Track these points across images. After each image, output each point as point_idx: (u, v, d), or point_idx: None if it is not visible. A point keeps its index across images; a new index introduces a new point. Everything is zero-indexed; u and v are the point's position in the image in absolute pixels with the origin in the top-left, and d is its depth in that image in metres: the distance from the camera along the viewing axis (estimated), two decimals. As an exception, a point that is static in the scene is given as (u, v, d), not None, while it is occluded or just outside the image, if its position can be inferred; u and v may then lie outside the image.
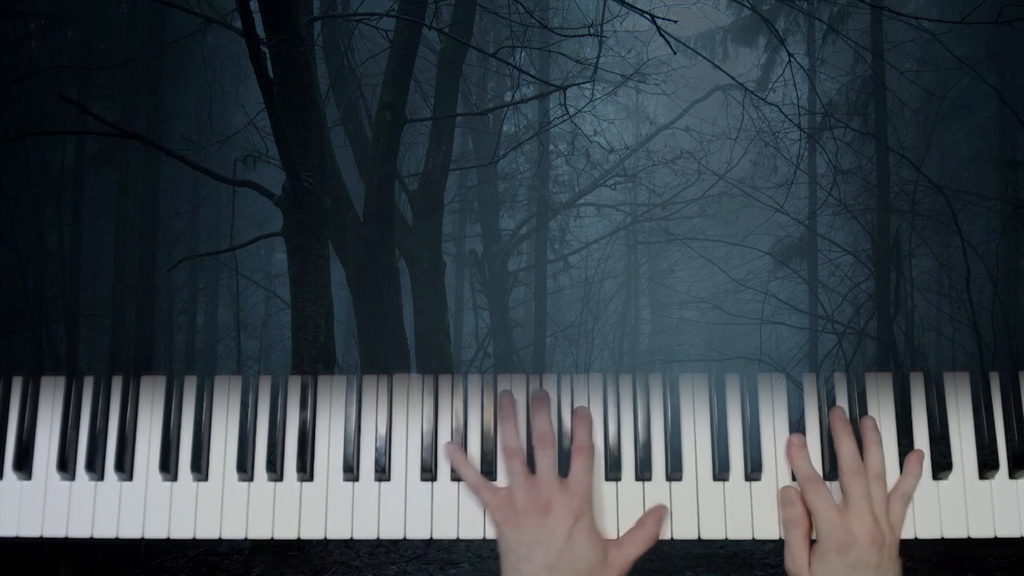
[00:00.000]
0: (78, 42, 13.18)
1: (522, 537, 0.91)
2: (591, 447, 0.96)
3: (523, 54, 8.58)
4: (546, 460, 0.94)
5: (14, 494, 1.01)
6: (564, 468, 0.96)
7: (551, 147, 11.66)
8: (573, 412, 0.99)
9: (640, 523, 0.95)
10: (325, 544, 4.23)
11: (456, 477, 0.99)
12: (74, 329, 11.35)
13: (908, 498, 0.96)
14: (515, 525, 0.92)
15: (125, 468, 1.00)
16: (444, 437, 1.01)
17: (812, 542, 0.94)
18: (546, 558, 0.89)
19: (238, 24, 4.51)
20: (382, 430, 1.01)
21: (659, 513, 0.96)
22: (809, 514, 0.94)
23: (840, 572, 0.89)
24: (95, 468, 1.00)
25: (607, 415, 1.00)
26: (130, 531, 1.00)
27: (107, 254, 13.33)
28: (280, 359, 16.63)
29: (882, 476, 0.95)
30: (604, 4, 6.06)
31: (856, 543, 0.90)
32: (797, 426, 1.00)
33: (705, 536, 0.97)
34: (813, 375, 1.02)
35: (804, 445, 0.98)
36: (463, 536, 0.97)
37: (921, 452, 0.98)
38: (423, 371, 6.86)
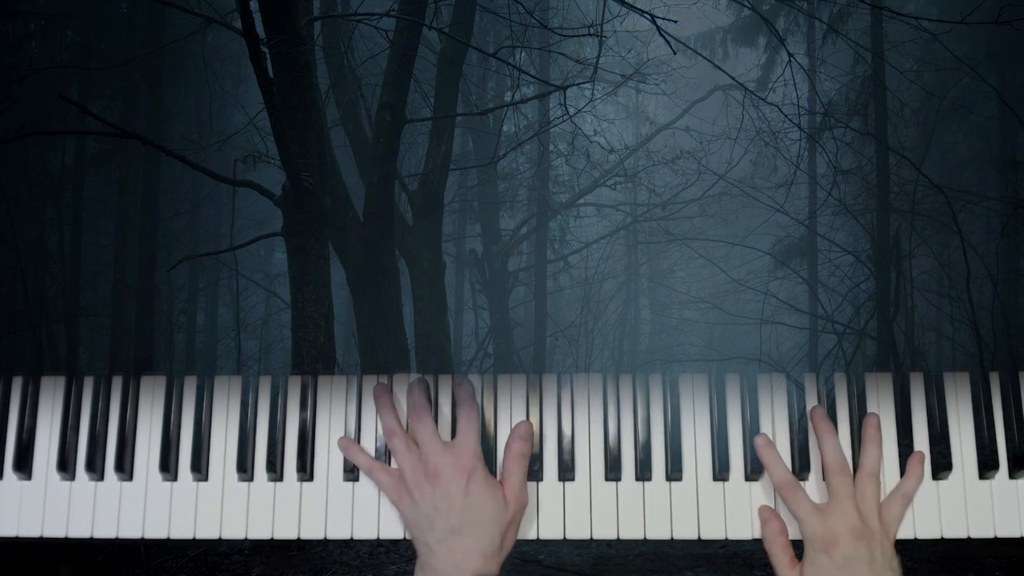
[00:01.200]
0: (78, 42, 13.18)
1: (420, 508, 0.91)
2: (474, 402, 0.97)
3: (523, 54, 8.58)
4: (424, 429, 0.95)
5: (14, 494, 1.01)
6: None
7: (551, 147, 11.65)
8: (453, 381, 1.00)
9: (506, 448, 0.96)
10: (325, 544, 4.23)
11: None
12: (74, 329, 11.35)
13: (908, 498, 0.96)
14: (410, 500, 0.92)
15: (125, 468, 1.00)
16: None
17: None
18: (448, 521, 0.89)
19: (238, 24, 4.51)
20: (382, 430, 1.01)
21: (523, 430, 0.97)
22: (785, 527, 0.95)
23: (831, 573, 0.89)
24: (95, 468, 1.00)
25: (607, 415, 1.00)
26: (130, 531, 1.00)
27: (107, 254, 13.32)
28: (280, 359, 16.63)
29: (875, 474, 0.95)
30: (604, 4, 6.06)
31: (839, 541, 0.90)
32: (798, 426, 1.00)
33: (705, 536, 0.97)
34: (813, 375, 1.02)
35: (772, 445, 0.98)
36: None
37: (922, 453, 0.98)
38: (423, 371, 6.85)
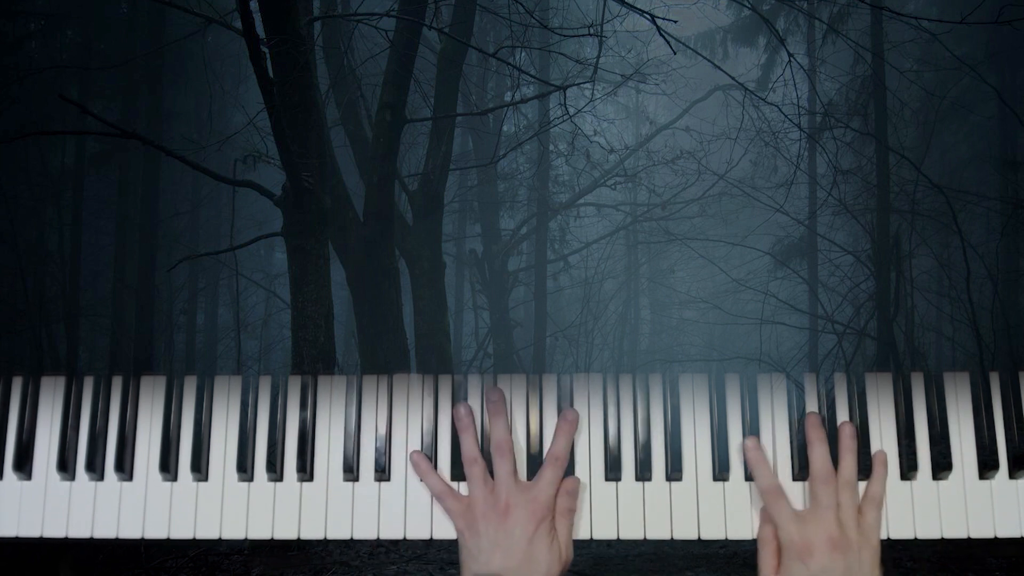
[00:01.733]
0: (78, 42, 13.18)
1: (481, 542, 0.92)
2: (565, 458, 0.97)
3: (523, 54, 8.57)
4: (504, 467, 0.96)
5: (14, 494, 1.01)
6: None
7: (551, 147, 11.65)
8: (560, 415, 0.99)
9: (558, 505, 0.96)
10: (325, 544, 4.23)
11: (456, 477, 0.99)
12: (74, 329, 11.35)
13: (878, 502, 0.96)
14: (475, 530, 0.93)
15: (125, 468, 1.00)
16: (444, 437, 1.01)
17: None
18: (506, 561, 0.90)
19: (238, 24, 4.51)
20: (382, 430, 1.01)
21: (571, 486, 0.97)
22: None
23: None
24: (95, 468, 1.00)
25: (607, 415, 1.00)
26: (130, 531, 1.00)
27: (107, 254, 13.32)
28: (280, 359, 16.62)
29: (853, 483, 0.95)
30: (604, 4, 6.06)
31: (814, 551, 0.90)
32: (798, 426, 1.00)
33: (705, 536, 0.97)
34: (813, 375, 1.02)
35: (760, 449, 0.98)
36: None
37: (884, 453, 0.99)
38: (423, 371, 6.86)
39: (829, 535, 0.90)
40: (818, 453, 0.96)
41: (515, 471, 0.96)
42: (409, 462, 1.00)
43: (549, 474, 0.96)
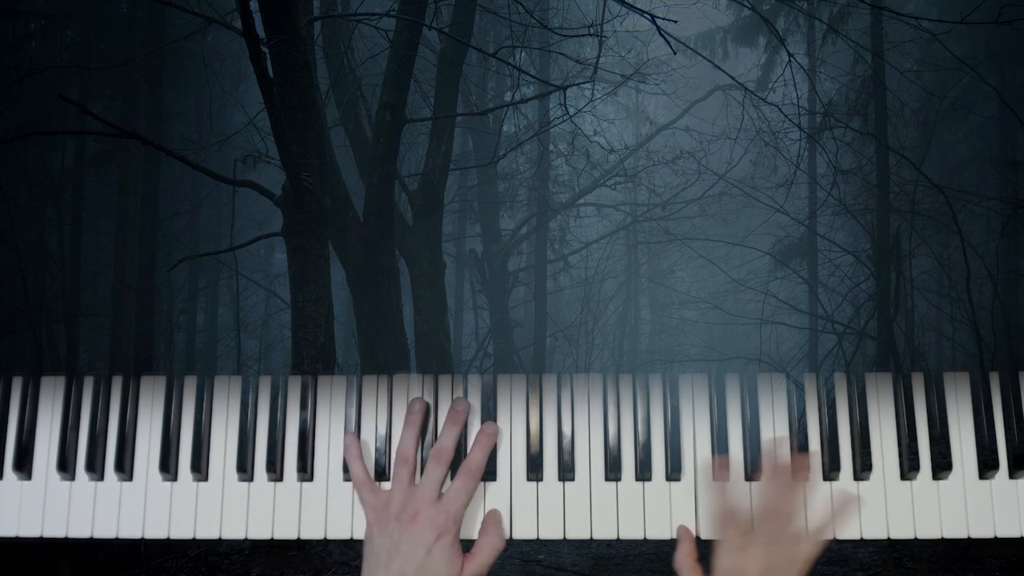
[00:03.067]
0: (78, 42, 13.19)
1: (385, 541, 0.92)
2: (480, 469, 0.97)
3: (523, 54, 8.58)
4: (433, 474, 0.95)
5: (14, 494, 1.01)
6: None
7: (551, 147, 11.66)
8: (480, 428, 0.99)
9: (483, 531, 0.96)
10: (325, 544, 4.23)
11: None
12: (74, 329, 11.35)
13: (821, 544, 0.95)
14: (383, 529, 0.93)
15: (125, 468, 1.00)
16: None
17: None
18: (403, 567, 0.90)
19: (238, 24, 4.52)
20: (382, 430, 1.01)
21: (495, 517, 0.97)
22: (695, 550, 0.96)
23: None
24: (95, 468, 1.00)
25: (607, 415, 1.00)
26: (130, 531, 1.00)
27: (107, 254, 13.34)
28: (280, 359, 16.63)
29: (792, 516, 0.96)
30: (604, 4, 6.06)
31: None
32: (797, 426, 1.00)
33: (705, 536, 0.97)
34: (813, 375, 1.02)
35: (727, 467, 0.98)
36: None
37: (806, 456, 0.99)
38: (423, 371, 6.85)
39: (759, 569, 0.91)
40: (770, 487, 0.97)
41: (442, 483, 0.95)
42: (343, 444, 0.99)
43: (459, 484, 0.95)
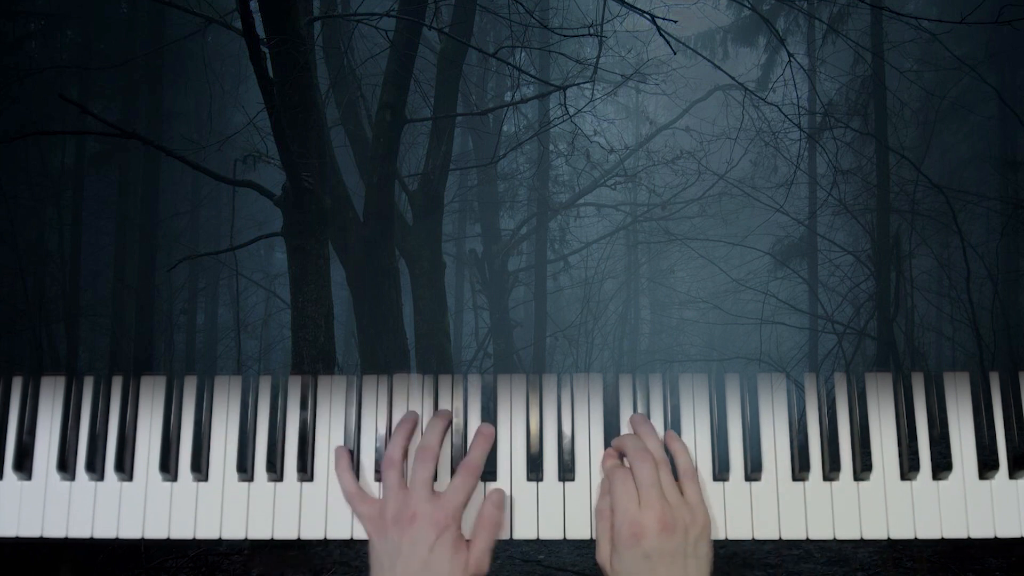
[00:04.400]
0: (78, 42, 13.19)
1: (387, 547, 0.91)
2: (479, 468, 0.97)
3: (523, 54, 8.58)
4: (422, 474, 0.95)
5: (14, 494, 1.01)
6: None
7: (551, 147, 11.66)
8: (477, 430, 0.99)
9: (480, 514, 0.95)
10: (325, 544, 4.23)
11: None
12: (74, 329, 11.35)
13: (693, 474, 0.96)
14: (383, 536, 0.92)
15: (125, 468, 1.00)
16: (445, 438, 1.01)
17: None
18: (407, 570, 0.89)
19: (238, 24, 4.52)
20: (382, 430, 1.01)
21: (496, 497, 0.96)
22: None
23: (636, 564, 0.88)
24: (95, 468, 1.00)
25: (607, 415, 1.00)
26: (130, 531, 1.00)
27: (107, 254, 13.34)
28: (280, 359, 16.63)
29: (665, 462, 0.95)
30: (604, 4, 6.06)
31: (646, 533, 0.89)
32: (797, 426, 1.00)
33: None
34: (813, 375, 1.02)
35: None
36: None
37: (672, 432, 0.99)
38: (423, 371, 6.86)
39: (658, 516, 0.89)
40: (628, 437, 0.97)
41: (432, 480, 0.95)
42: (333, 456, 0.99)
43: (458, 481, 0.95)
